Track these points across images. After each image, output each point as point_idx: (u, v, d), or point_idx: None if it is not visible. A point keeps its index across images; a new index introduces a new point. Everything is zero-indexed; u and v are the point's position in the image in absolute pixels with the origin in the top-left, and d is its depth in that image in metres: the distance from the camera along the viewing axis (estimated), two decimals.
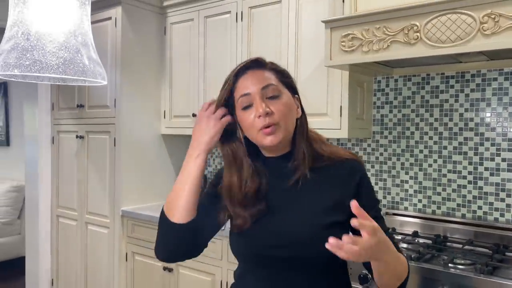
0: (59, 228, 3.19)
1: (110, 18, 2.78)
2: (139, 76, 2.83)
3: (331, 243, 0.82)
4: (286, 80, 1.11)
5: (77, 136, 3.00)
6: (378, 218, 1.07)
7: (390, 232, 1.11)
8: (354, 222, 0.85)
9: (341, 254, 0.83)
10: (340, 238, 0.97)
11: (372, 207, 1.08)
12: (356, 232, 1.00)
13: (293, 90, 1.12)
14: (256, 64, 1.09)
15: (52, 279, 3.24)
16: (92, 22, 2.93)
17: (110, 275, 2.78)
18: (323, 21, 1.95)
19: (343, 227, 1.02)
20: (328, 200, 1.06)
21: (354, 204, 0.85)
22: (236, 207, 1.07)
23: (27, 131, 3.41)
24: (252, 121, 1.05)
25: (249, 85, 1.06)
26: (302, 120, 1.12)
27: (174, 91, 2.88)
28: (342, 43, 1.89)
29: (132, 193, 2.80)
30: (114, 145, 2.77)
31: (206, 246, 1.15)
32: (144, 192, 2.88)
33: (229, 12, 2.56)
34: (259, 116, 1.03)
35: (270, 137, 1.04)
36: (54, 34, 0.82)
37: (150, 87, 2.90)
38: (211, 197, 1.15)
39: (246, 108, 1.06)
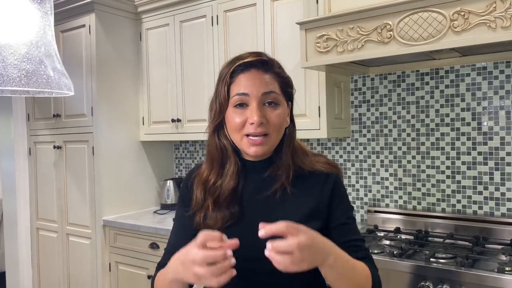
0: (40, 240, 3.12)
1: (84, 26, 2.74)
2: (115, 83, 2.79)
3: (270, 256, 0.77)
4: (287, 90, 1.06)
5: (54, 147, 2.95)
6: (349, 225, 1.05)
7: (360, 240, 1.06)
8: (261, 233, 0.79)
9: (277, 265, 0.78)
10: None
11: (344, 213, 1.06)
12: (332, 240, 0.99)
13: (289, 98, 1.08)
14: (262, 64, 1.02)
15: None
16: (65, 30, 2.91)
17: (94, 286, 2.73)
18: (297, 23, 1.96)
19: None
20: (304, 210, 1.03)
21: (262, 231, 0.80)
22: (210, 207, 1.02)
23: (2, 143, 3.33)
24: (240, 124, 0.99)
25: (249, 85, 0.99)
26: (290, 129, 1.07)
27: (152, 97, 2.85)
28: (317, 44, 1.90)
29: (113, 202, 2.76)
30: (93, 154, 2.72)
31: None
32: (126, 201, 2.84)
33: (204, 16, 2.55)
34: (252, 123, 0.98)
35: (255, 148, 1.00)
36: (15, 45, 0.79)
37: (128, 94, 2.87)
38: (184, 218, 1.08)
39: (239, 106, 1.00)
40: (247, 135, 0.99)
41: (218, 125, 1.04)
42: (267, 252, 0.78)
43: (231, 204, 1.03)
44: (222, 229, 0.98)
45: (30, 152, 3.16)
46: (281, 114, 1.01)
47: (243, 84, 1.00)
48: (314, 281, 1.08)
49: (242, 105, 1.00)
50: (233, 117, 1.00)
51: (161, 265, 1.08)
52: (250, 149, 1.00)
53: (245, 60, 1.02)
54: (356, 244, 1.04)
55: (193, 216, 1.06)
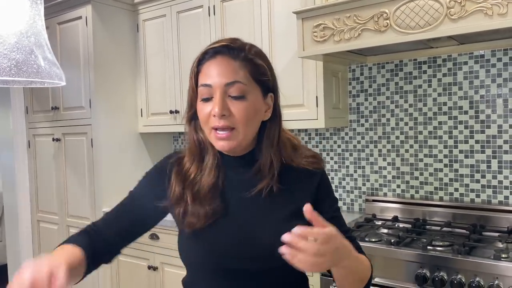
0: (41, 233, 3.14)
1: (80, 18, 2.73)
2: (113, 75, 2.79)
3: (285, 251, 0.75)
4: (260, 78, 0.95)
5: (53, 139, 2.95)
6: (338, 218, 1.05)
7: (349, 231, 1.07)
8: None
9: (298, 264, 0.75)
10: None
11: (330, 206, 1.05)
12: None
13: (267, 88, 0.97)
14: (229, 50, 0.93)
15: None
16: (62, 22, 2.90)
17: (94, 277, 2.76)
18: (294, 12, 1.95)
19: None
20: (289, 208, 0.98)
21: (307, 209, 0.78)
22: (189, 201, 0.96)
23: (1, 136, 3.34)
24: (206, 117, 0.93)
25: (213, 74, 0.92)
26: (271, 123, 0.98)
27: (150, 88, 2.85)
28: (314, 34, 1.89)
29: (113, 194, 2.77)
30: (92, 146, 2.73)
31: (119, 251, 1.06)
32: (125, 192, 2.82)
33: (201, 6, 2.54)
34: (214, 115, 0.91)
35: (222, 142, 0.93)
36: (5, 35, 0.79)
37: (126, 86, 2.86)
38: (142, 198, 1.06)
39: (205, 100, 0.93)
40: (215, 129, 0.93)
41: (191, 118, 1.00)
42: (288, 238, 0.75)
43: (212, 199, 0.96)
44: (206, 227, 0.95)
45: (30, 145, 3.16)
46: (248, 107, 0.92)
47: (208, 74, 0.93)
48: (302, 279, 1.08)
49: (207, 99, 0.93)
50: (200, 110, 0.94)
51: (100, 218, 1.08)
52: (217, 144, 0.93)
53: (211, 47, 0.94)
54: (347, 236, 1.03)
55: (170, 208, 1.02)
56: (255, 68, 0.94)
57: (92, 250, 0.94)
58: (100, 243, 0.99)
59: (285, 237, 0.75)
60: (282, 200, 0.98)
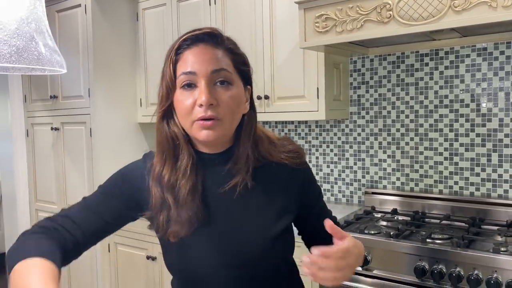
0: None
1: (79, 5, 2.70)
2: (113, 64, 2.76)
3: (307, 272, 0.78)
4: (241, 68, 0.92)
5: (52, 128, 2.94)
6: (324, 208, 1.10)
7: (335, 218, 1.12)
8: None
9: (319, 281, 0.78)
10: (289, 244, 0.97)
11: (317, 198, 1.07)
12: (314, 231, 1.04)
13: (246, 80, 0.94)
14: (211, 37, 0.88)
15: None
16: (61, 10, 2.87)
17: (93, 267, 2.76)
18: (296, 2, 1.93)
19: (289, 229, 0.99)
20: (273, 208, 0.95)
21: (328, 225, 0.81)
22: (172, 206, 0.90)
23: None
24: (189, 107, 0.86)
25: (197, 62, 0.86)
26: (249, 116, 0.94)
27: (149, 78, 2.83)
28: (316, 24, 1.87)
29: None
30: (91, 136, 2.72)
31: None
32: None
33: None
34: (201, 105, 0.84)
35: (206, 132, 0.86)
36: (5, 21, 0.77)
37: (125, 75, 2.84)
38: (116, 199, 0.95)
39: (187, 87, 0.86)
40: (200, 120, 0.86)
41: (166, 111, 0.90)
42: (308, 259, 0.78)
43: (193, 203, 0.90)
44: (190, 235, 0.90)
45: (28, 134, 3.15)
46: (235, 96, 0.88)
47: (190, 61, 0.86)
48: (293, 275, 1.08)
49: (190, 85, 0.86)
50: (181, 100, 0.86)
51: (64, 215, 0.93)
52: (201, 133, 0.86)
53: (192, 34, 0.88)
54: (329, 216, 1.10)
55: (154, 217, 0.94)
56: (237, 58, 0.91)
57: (64, 260, 0.84)
58: (70, 245, 0.88)
59: (306, 259, 0.77)
60: (265, 200, 0.95)
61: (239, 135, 0.93)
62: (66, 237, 0.88)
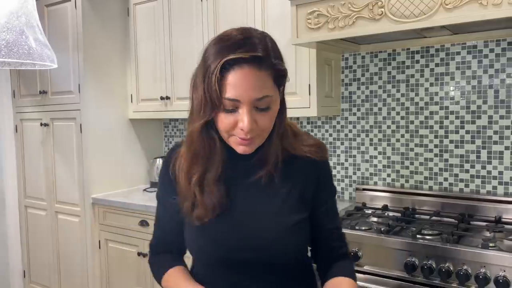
0: (28, 218, 3.11)
1: (69, 0, 2.67)
2: (103, 59, 2.74)
3: None
4: (280, 80, 0.93)
5: (41, 124, 2.91)
6: (335, 208, 1.11)
7: (339, 228, 1.11)
8: None
9: None
10: (304, 237, 1.00)
11: (326, 201, 1.08)
12: (317, 227, 1.04)
13: (282, 85, 0.96)
14: (256, 60, 0.86)
15: (24, 271, 3.17)
16: (50, 5, 2.83)
17: (83, 263, 2.75)
18: None
19: (306, 223, 1.02)
20: (291, 198, 1.00)
21: None
22: (197, 195, 0.97)
23: None
24: (230, 127, 0.90)
25: (241, 88, 0.85)
26: (281, 116, 0.96)
27: (140, 74, 2.81)
28: (308, 21, 1.87)
29: (102, 180, 2.75)
30: (81, 132, 2.69)
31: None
32: (114, 179, 2.82)
33: None
34: (242, 129, 0.88)
35: (243, 148, 0.92)
36: None
37: (116, 71, 2.82)
38: (169, 203, 1.06)
39: (229, 111, 0.89)
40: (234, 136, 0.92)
41: (208, 121, 0.92)
42: None
43: (219, 192, 0.97)
44: (213, 219, 0.97)
45: (17, 130, 3.11)
46: (272, 116, 0.92)
47: (234, 86, 0.85)
48: (306, 271, 1.11)
49: (232, 111, 0.88)
50: (223, 119, 0.89)
51: (154, 246, 1.16)
52: (238, 148, 0.92)
53: (236, 56, 0.85)
54: (339, 233, 1.10)
55: (179, 203, 1.02)
56: (278, 74, 0.91)
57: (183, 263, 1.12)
58: (178, 255, 1.14)
59: None
60: (285, 191, 1.00)
61: (271, 136, 0.97)
62: (171, 257, 1.13)
